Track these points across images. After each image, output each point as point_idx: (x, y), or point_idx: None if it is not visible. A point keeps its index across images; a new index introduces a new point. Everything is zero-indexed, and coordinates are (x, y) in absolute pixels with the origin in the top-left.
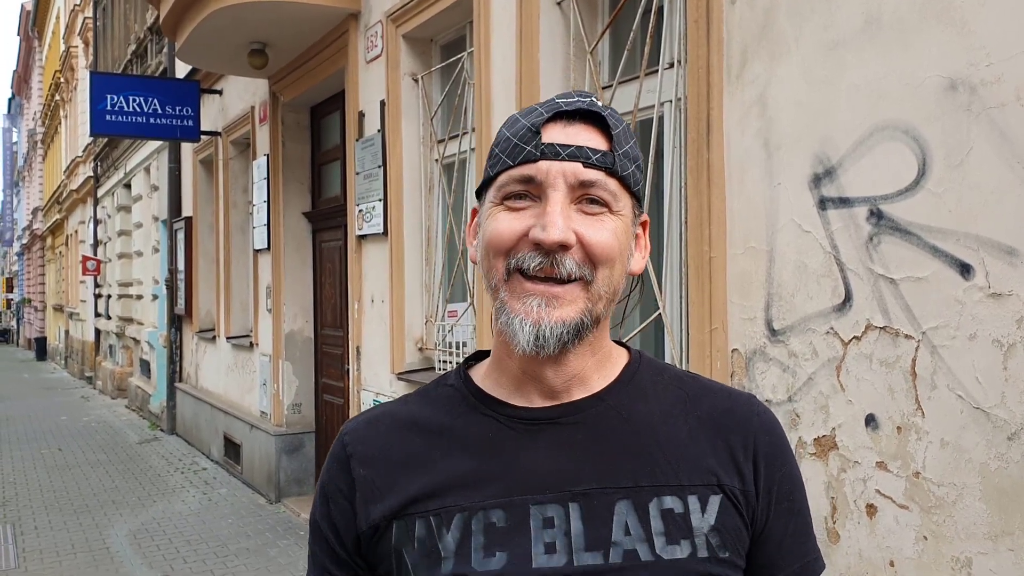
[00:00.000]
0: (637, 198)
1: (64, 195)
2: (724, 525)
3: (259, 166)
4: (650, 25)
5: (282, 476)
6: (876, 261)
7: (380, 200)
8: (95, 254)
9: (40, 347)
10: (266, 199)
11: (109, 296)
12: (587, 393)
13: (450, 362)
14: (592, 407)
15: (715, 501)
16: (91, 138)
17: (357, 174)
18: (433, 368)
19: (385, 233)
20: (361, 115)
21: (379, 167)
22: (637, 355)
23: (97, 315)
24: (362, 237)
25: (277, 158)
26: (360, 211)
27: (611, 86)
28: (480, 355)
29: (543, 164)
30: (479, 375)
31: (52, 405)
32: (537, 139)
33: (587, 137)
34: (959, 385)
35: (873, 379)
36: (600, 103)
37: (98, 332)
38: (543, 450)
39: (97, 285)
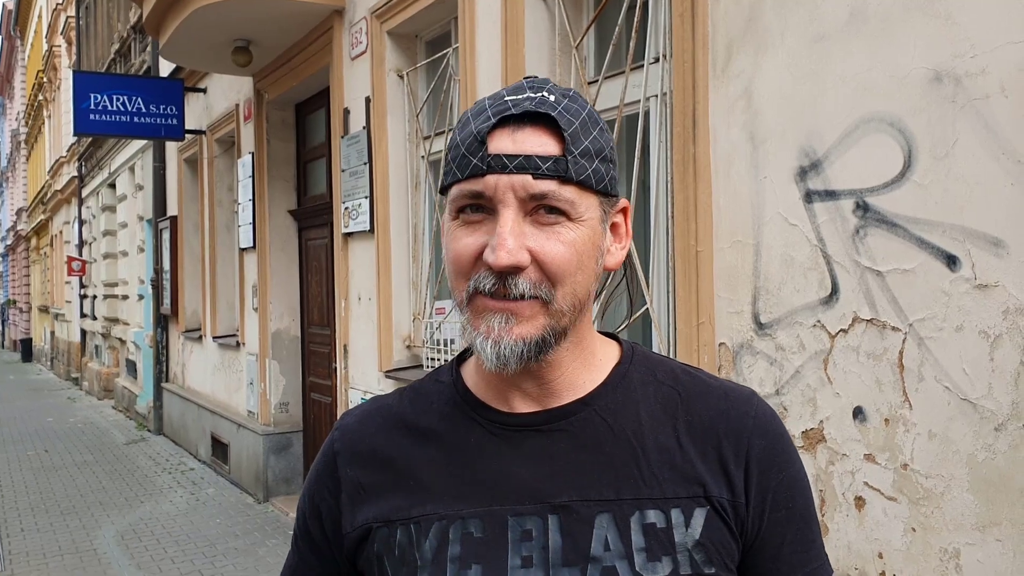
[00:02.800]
0: (605, 193)
1: (48, 195)
2: (710, 539)
3: (244, 164)
4: (635, 20)
5: (270, 475)
6: (862, 253)
7: (366, 197)
8: (80, 254)
9: (25, 348)
10: (251, 197)
11: (95, 296)
12: (574, 396)
13: (438, 359)
14: (577, 413)
15: (700, 514)
16: (75, 138)
17: (343, 171)
18: (421, 366)
19: (372, 230)
20: (346, 112)
21: (365, 164)
22: (629, 351)
23: (83, 316)
24: (348, 235)
25: (262, 156)
26: (346, 208)
27: (596, 81)
28: None
29: (490, 179)
30: (468, 372)
31: (38, 407)
32: (483, 150)
33: (537, 142)
34: (946, 376)
35: (860, 371)
36: (553, 96)
37: (84, 333)
38: (525, 459)
39: (82, 286)
